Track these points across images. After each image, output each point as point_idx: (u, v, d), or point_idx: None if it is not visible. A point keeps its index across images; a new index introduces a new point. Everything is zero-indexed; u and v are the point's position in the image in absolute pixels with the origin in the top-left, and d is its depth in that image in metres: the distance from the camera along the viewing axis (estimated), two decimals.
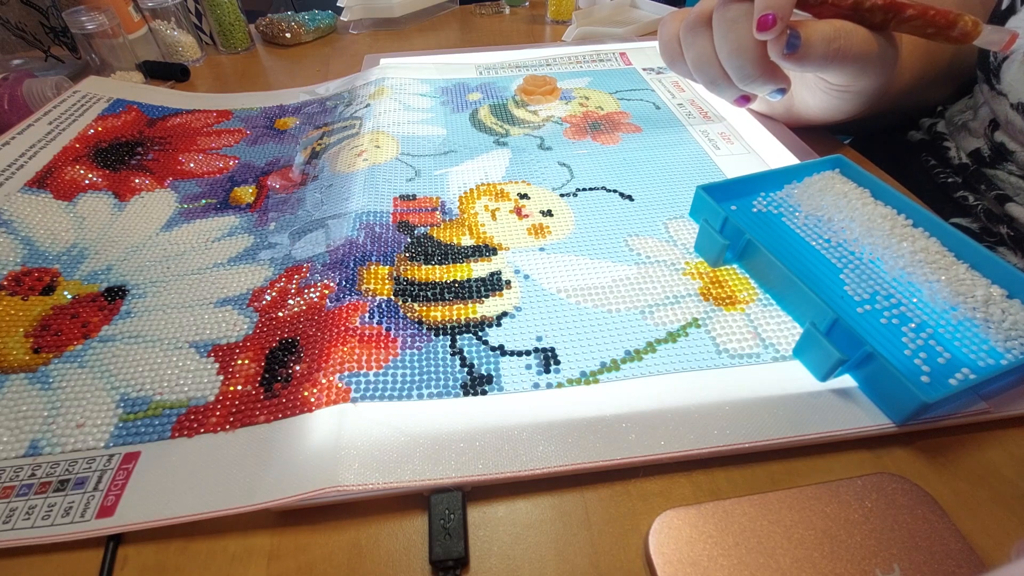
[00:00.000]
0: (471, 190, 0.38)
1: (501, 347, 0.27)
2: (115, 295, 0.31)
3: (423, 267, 0.31)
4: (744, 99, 0.36)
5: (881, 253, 0.29)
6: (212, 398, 0.25)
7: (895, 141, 0.49)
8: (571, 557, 0.20)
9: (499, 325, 0.28)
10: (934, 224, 0.29)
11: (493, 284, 0.30)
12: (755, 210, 0.34)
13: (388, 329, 0.28)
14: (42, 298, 0.31)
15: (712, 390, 0.25)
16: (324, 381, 0.25)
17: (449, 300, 0.29)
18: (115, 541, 0.21)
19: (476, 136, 0.44)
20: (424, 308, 0.29)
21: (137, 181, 0.40)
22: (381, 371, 0.26)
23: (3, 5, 0.57)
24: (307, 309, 0.29)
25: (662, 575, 0.19)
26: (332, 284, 0.30)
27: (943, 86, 0.45)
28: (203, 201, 0.38)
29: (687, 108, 0.47)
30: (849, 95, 0.36)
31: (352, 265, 0.31)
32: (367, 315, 0.28)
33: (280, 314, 0.29)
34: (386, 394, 0.25)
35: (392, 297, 0.30)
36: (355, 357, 0.26)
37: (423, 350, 0.27)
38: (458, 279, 0.31)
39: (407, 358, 0.26)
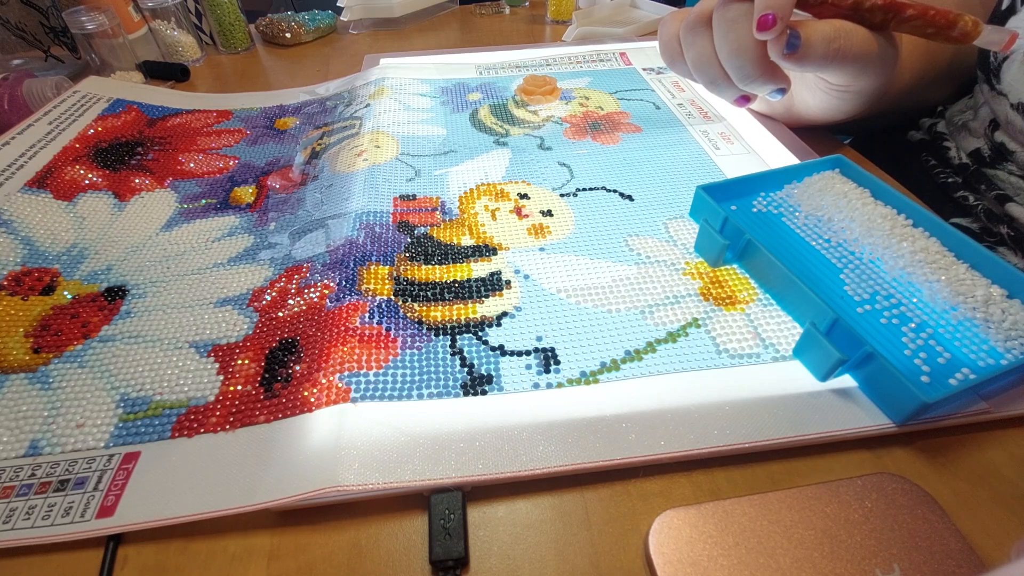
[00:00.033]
0: (471, 190, 0.38)
1: (501, 347, 0.27)
2: (115, 295, 0.31)
3: (423, 267, 0.31)
4: (744, 99, 0.36)
5: (881, 253, 0.29)
6: (212, 398, 0.25)
7: (895, 141, 0.49)
8: (571, 557, 0.20)
9: (499, 325, 0.28)
10: (934, 224, 0.29)
11: (493, 284, 0.30)
12: (755, 210, 0.34)
13: (388, 329, 0.28)
14: (42, 298, 0.31)
15: (712, 390, 0.25)
16: (324, 381, 0.25)
17: (449, 300, 0.29)
18: (115, 541, 0.21)
19: (476, 136, 0.44)
20: (424, 308, 0.29)
21: (137, 181, 0.40)
22: (381, 371, 0.26)
23: (3, 5, 0.57)
24: (307, 309, 0.29)
25: (662, 575, 0.19)
26: (332, 284, 0.30)
27: (943, 86, 0.45)
28: (203, 201, 0.38)
29: (687, 108, 0.47)
30: (849, 95, 0.36)
31: (352, 265, 0.31)
32: (367, 315, 0.28)
33: (280, 314, 0.29)
34: (386, 394, 0.25)
35: (392, 297, 0.30)
36: (355, 357, 0.26)
37: (423, 350, 0.27)
38: (458, 279, 0.31)
39: (407, 358, 0.26)
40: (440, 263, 0.32)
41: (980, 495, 0.22)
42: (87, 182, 0.39)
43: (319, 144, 0.44)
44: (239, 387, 0.26)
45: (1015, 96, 0.35)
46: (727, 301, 0.29)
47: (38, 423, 0.25)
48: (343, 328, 0.27)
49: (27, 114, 0.46)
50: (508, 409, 0.24)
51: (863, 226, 0.30)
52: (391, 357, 0.26)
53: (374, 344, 0.27)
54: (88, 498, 0.22)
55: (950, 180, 0.41)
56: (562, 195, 0.37)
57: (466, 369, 0.26)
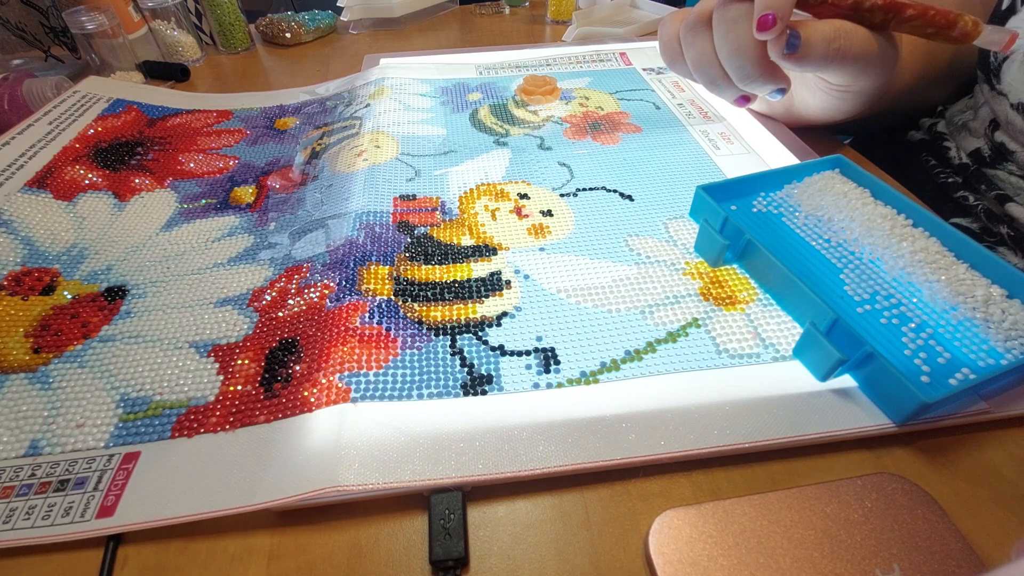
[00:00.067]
0: (471, 190, 0.38)
1: (501, 347, 0.27)
2: (115, 295, 0.31)
3: (423, 267, 0.31)
4: (744, 99, 0.36)
5: (881, 253, 0.29)
6: (212, 398, 0.25)
7: (895, 141, 0.49)
8: (571, 557, 0.20)
9: (499, 325, 0.28)
10: (934, 224, 0.29)
11: (493, 284, 0.30)
12: (755, 210, 0.34)
13: (388, 329, 0.28)
14: (42, 298, 0.31)
15: (712, 390, 0.25)
16: (324, 381, 0.25)
17: (449, 300, 0.29)
18: (115, 541, 0.21)
19: (476, 136, 0.44)
20: (424, 308, 0.29)
21: (137, 181, 0.40)
22: (381, 371, 0.26)
23: (3, 5, 0.57)
24: (307, 309, 0.29)
25: (662, 575, 0.19)
26: (332, 284, 0.30)
27: (943, 86, 0.45)
28: (203, 201, 0.38)
29: (687, 108, 0.47)
30: (849, 95, 0.36)
31: (352, 265, 0.31)
32: (367, 315, 0.28)
33: (280, 314, 0.29)
34: (386, 394, 0.25)
35: (392, 297, 0.30)
36: (355, 357, 0.26)
37: (423, 350, 0.27)
38: (458, 279, 0.31)
39: (407, 358, 0.26)
40: (440, 263, 0.32)
41: (980, 495, 0.22)
42: (87, 182, 0.39)
43: (319, 144, 0.44)
44: (239, 387, 0.26)
45: (1015, 96, 0.35)
46: (727, 301, 0.29)
47: (38, 423, 0.25)
48: (343, 328, 0.27)
49: (27, 114, 0.46)
50: (508, 409, 0.24)
51: (863, 226, 0.30)
52: (391, 357, 0.26)
53: (374, 344, 0.27)
54: (88, 498, 0.22)
55: (950, 180, 0.41)
56: (562, 195, 0.37)
57: (466, 369, 0.26)
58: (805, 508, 0.20)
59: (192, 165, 0.42)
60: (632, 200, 0.36)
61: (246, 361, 0.27)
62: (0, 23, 0.57)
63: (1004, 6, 0.37)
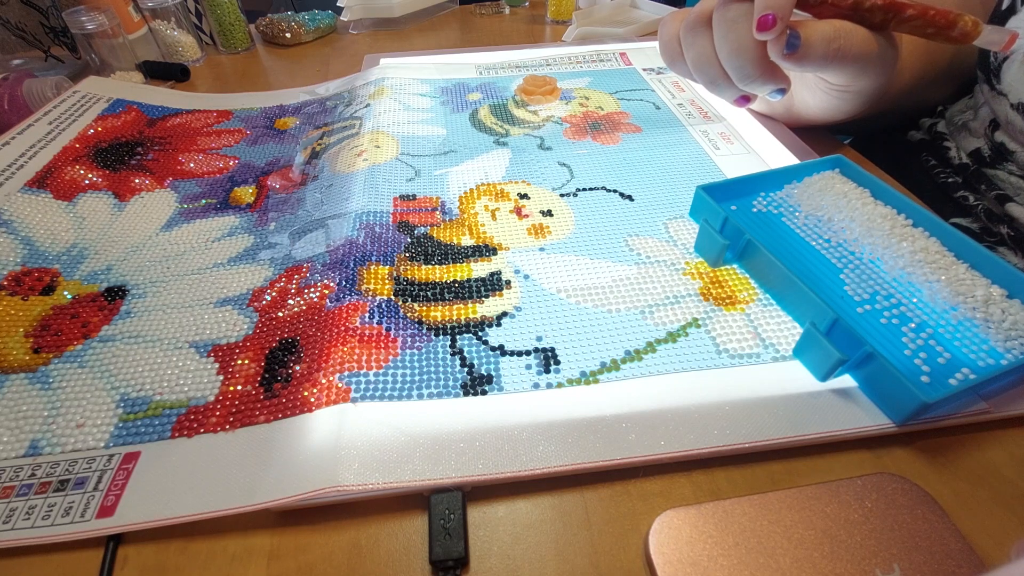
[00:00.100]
0: (471, 190, 0.38)
1: (501, 347, 0.27)
2: (115, 295, 0.31)
3: (423, 267, 0.31)
4: (744, 99, 0.36)
5: (881, 253, 0.29)
6: (212, 398, 0.25)
7: (895, 141, 0.49)
8: (571, 557, 0.20)
9: (499, 325, 0.28)
10: (934, 224, 0.29)
11: (493, 284, 0.30)
12: (755, 210, 0.34)
13: (388, 329, 0.28)
14: (42, 298, 0.31)
15: (712, 390, 0.25)
16: (324, 381, 0.25)
17: (449, 300, 0.29)
18: (115, 541, 0.21)
19: (476, 136, 0.44)
20: (424, 308, 0.29)
21: (137, 181, 0.40)
22: (381, 371, 0.26)
23: (3, 5, 0.57)
24: (307, 309, 0.29)
25: (662, 575, 0.19)
26: (332, 284, 0.30)
27: (943, 86, 0.45)
28: (203, 201, 0.38)
29: (687, 108, 0.47)
30: (849, 95, 0.36)
31: (352, 265, 0.31)
32: (367, 315, 0.28)
33: (280, 314, 0.29)
34: (386, 394, 0.25)
35: (392, 297, 0.30)
36: (355, 357, 0.26)
37: (423, 350, 0.27)
38: (458, 279, 0.31)
39: (407, 358, 0.26)
40: (440, 263, 0.32)
41: (980, 495, 0.22)
42: (87, 182, 0.39)
43: (319, 144, 0.44)
44: (239, 387, 0.26)
45: (1015, 96, 0.35)
46: (727, 301, 0.29)
47: (38, 423, 0.25)
48: (343, 328, 0.27)
49: (27, 114, 0.46)
50: (508, 409, 0.24)
51: (863, 226, 0.30)
52: (391, 357, 0.26)
53: (374, 344, 0.27)
54: (88, 498, 0.22)
55: (950, 180, 0.41)
56: (562, 195, 0.37)
57: (466, 369, 0.26)
58: (805, 508, 0.20)
59: (192, 165, 0.42)
60: (632, 200, 0.36)
61: (246, 361, 0.27)
62: (0, 23, 0.57)
63: (1004, 6, 0.37)
